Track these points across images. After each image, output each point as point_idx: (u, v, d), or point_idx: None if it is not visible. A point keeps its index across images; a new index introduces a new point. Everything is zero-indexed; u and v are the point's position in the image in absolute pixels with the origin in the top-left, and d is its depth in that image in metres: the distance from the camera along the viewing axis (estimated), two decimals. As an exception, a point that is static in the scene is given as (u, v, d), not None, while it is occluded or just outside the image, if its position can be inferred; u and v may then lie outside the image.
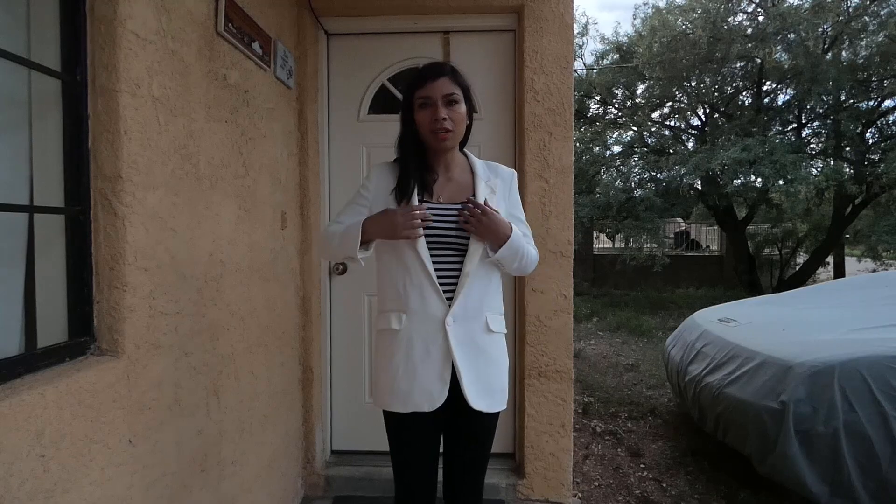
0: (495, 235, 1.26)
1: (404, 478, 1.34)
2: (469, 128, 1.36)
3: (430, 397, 1.25)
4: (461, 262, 1.27)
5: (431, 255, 1.26)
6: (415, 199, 1.27)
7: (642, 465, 2.74)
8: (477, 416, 1.28)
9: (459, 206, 1.27)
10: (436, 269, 1.26)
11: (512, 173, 1.42)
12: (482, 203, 1.26)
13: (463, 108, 1.28)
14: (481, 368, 1.29)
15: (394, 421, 1.31)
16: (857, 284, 3.54)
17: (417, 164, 1.30)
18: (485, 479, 1.42)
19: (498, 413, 1.33)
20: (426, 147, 1.31)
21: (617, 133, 10.06)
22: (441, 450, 1.38)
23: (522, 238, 1.33)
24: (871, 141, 8.44)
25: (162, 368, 1.26)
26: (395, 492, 1.36)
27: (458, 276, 1.27)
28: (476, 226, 1.24)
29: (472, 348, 1.28)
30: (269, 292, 1.89)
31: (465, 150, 1.41)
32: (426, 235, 1.25)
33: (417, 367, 1.25)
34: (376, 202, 1.32)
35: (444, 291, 1.26)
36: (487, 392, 1.29)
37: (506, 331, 1.39)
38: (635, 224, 8.67)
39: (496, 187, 1.34)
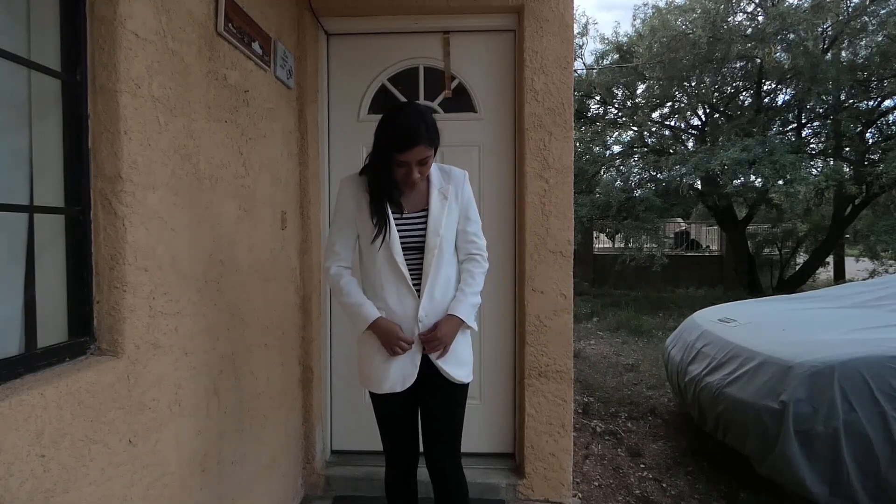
0: (455, 333, 1.50)
1: (389, 445, 1.61)
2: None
3: (403, 380, 1.49)
4: (422, 258, 1.49)
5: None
6: (390, 217, 1.46)
7: (642, 465, 2.74)
8: (450, 389, 1.52)
9: (418, 215, 1.49)
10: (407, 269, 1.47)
11: (463, 174, 1.58)
12: (426, 332, 1.47)
13: (433, 158, 1.44)
14: (456, 348, 1.51)
15: (376, 398, 1.56)
16: (859, 288, 3.54)
17: (389, 193, 1.47)
18: (461, 449, 1.60)
19: (467, 385, 1.56)
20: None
21: (617, 133, 10.08)
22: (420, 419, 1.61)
23: (467, 304, 1.51)
24: (870, 141, 8.45)
25: (162, 368, 1.26)
26: (384, 453, 1.63)
27: (421, 271, 1.49)
28: (443, 347, 1.48)
29: None
30: (269, 292, 1.89)
31: None
32: (400, 241, 1.46)
33: (393, 357, 1.47)
34: (359, 215, 1.50)
35: (414, 285, 1.48)
36: (463, 365, 1.54)
37: None
38: (635, 224, 8.68)
39: (448, 193, 1.52)
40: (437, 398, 1.54)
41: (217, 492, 1.52)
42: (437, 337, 1.46)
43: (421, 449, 1.62)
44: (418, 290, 1.49)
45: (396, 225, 1.48)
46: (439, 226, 1.48)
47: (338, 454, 2.45)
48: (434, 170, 1.54)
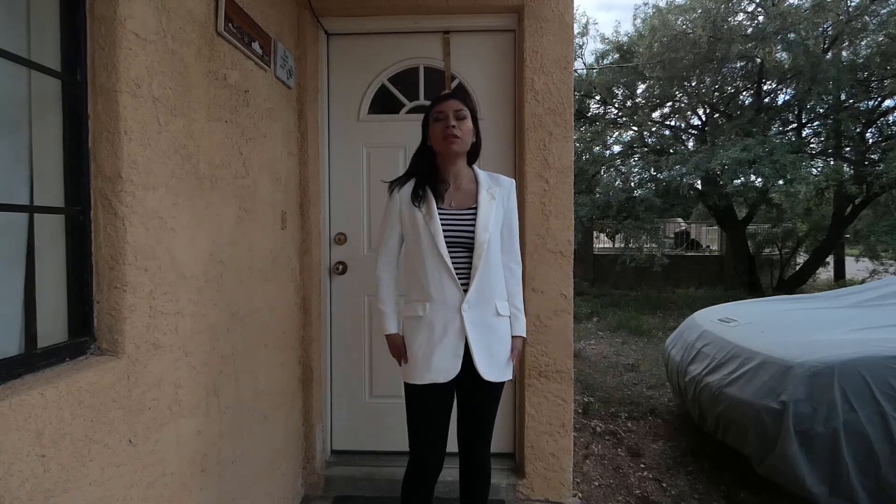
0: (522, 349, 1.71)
1: (419, 438, 1.58)
2: (476, 147, 1.64)
3: (446, 371, 1.51)
4: (471, 257, 1.53)
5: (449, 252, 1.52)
6: (432, 204, 1.53)
7: (642, 465, 2.74)
8: (488, 386, 1.55)
9: (466, 211, 1.55)
10: (452, 263, 1.51)
11: (511, 183, 1.67)
12: (510, 355, 1.60)
13: (469, 124, 1.56)
14: (493, 346, 1.55)
15: (415, 391, 1.56)
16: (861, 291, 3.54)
17: (429, 173, 1.59)
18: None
19: (503, 383, 1.60)
20: (438, 160, 1.60)
21: (617, 133, 10.07)
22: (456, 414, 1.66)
23: (524, 322, 1.66)
24: (871, 141, 8.44)
25: (162, 368, 1.26)
26: (410, 453, 1.60)
27: (469, 268, 1.53)
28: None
29: (485, 329, 1.54)
30: (269, 292, 1.89)
31: (473, 165, 1.66)
32: (444, 236, 1.51)
33: (435, 346, 1.51)
34: (403, 214, 1.59)
35: (460, 281, 1.52)
36: (496, 365, 1.55)
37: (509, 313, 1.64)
38: (635, 224, 8.66)
39: (496, 194, 1.59)
40: (478, 392, 1.58)
41: (217, 492, 1.52)
42: (515, 362, 1.62)
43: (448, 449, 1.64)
44: (465, 286, 1.52)
45: (444, 221, 1.53)
46: (488, 222, 1.54)
47: (338, 454, 2.45)
48: (483, 173, 1.63)
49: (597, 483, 2.55)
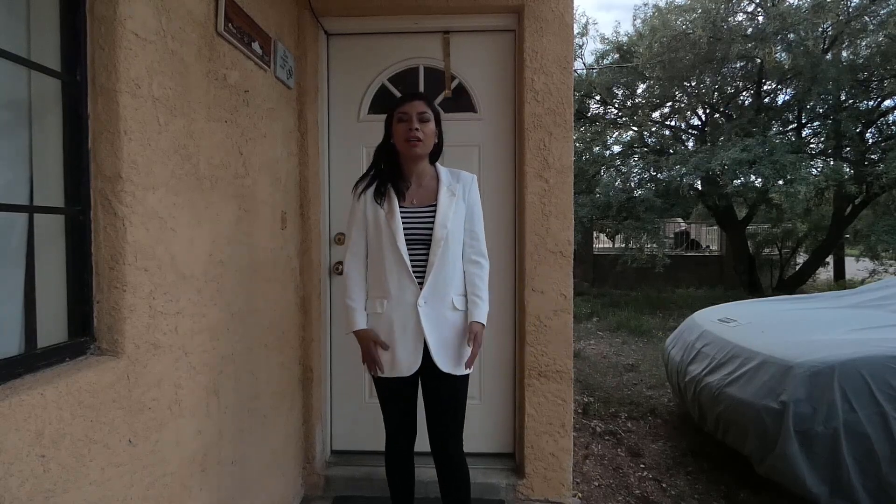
0: (482, 334, 1.63)
1: (391, 422, 1.71)
2: (438, 147, 1.68)
3: (408, 366, 1.59)
4: (428, 253, 1.57)
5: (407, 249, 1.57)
6: (394, 202, 1.58)
7: (642, 465, 2.74)
8: (449, 378, 1.60)
9: (427, 209, 1.60)
10: (410, 260, 1.56)
11: (472, 177, 1.70)
12: (471, 351, 1.61)
13: (433, 126, 1.61)
14: (449, 340, 1.60)
15: (381, 382, 1.66)
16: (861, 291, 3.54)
17: (391, 171, 1.64)
18: (463, 437, 1.72)
19: (467, 376, 1.65)
20: (400, 159, 1.64)
21: (617, 133, 10.07)
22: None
23: (484, 309, 1.63)
24: (871, 141, 8.44)
25: (162, 368, 1.26)
26: (386, 434, 1.73)
27: (426, 265, 1.57)
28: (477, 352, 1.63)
29: (441, 324, 1.59)
30: (269, 292, 1.89)
31: (436, 164, 1.71)
32: (404, 232, 1.56)
33: (397, 342, 1.59)
34: (368, 212, 1.63)
35: (416, 277, 1.57)
36: (454, 358, 1.60)
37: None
38: (635, 224, 8.66)
39: (456, 190, 1.64)
40: (439, 384, 1.62)
41: (217, 492, 1.52)
42: (475, 349, 1.61)
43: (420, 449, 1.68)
44: (420, 282, 1.57)
45: (404, 217, 1.57)
46: (447, 219, 1.58)
47: (338, 454, 2.45)
48: (444, 171, 1.67)
49: (597, 483, 2.55)
